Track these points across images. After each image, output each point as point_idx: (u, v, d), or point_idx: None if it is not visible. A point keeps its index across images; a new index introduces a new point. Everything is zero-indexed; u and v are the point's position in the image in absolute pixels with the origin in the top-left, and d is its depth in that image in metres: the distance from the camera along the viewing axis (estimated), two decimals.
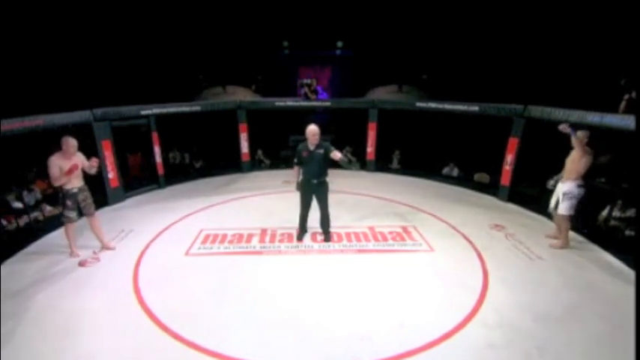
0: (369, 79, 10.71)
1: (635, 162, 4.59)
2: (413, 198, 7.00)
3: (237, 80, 10.53)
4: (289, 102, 8.99)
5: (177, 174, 8.43)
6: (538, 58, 8.01)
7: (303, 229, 5.19)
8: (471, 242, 5.14)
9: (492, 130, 7.32)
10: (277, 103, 8.89)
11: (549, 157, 5.99)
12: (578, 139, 4.47)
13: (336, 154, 4.65)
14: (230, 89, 10.33)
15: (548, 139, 5.73)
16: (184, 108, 7.85)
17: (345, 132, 10.16)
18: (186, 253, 4.72)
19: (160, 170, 7.69)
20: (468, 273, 4.34)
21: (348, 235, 5.28)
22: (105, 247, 4.79)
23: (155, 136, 7.40)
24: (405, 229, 5.53)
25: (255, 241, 5.07)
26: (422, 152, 9.28)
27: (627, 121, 4.65)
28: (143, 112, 7.14)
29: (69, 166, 4.12)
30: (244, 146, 9.02)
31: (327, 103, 9.30)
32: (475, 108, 7.28)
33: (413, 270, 4.41)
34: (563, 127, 4.46)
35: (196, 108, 8.02)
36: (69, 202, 4.34)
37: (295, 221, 5.24)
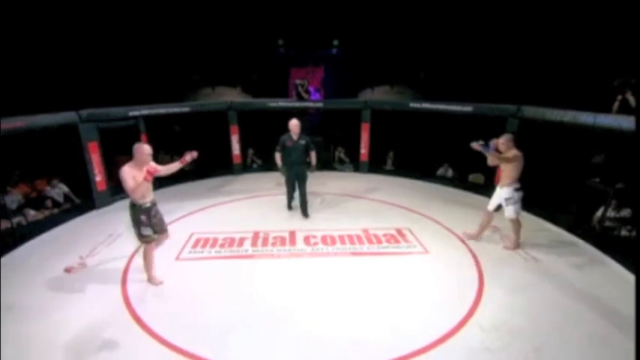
0: (362, 79, 10.73)
1: (635, 163, 4.66)
2: (407, 199, 7.00)
3: (229, 80, 10.47)
4: (281, 103, 8.99)
5: (165, 177, 8.21)
6: (532, 57, 8.06)
7: (290, 204, 6.30)
8: (465, 244, 5.16)
9: (487, 131, 7.31)
10: (269, 104, 8.90)
11: (543, 157, 6.04)
12: (493, 155, 4.47)
13: (313, 157, 5.92)
14: (219, 90, 10.26)
15: (543, 139, 5.77)
16: (174, 109, 7.82)
17: (338, 133, 10.16)
18: (177, 258, 4.69)
19: None
20: (463, 275, 4.35)
21: (341, 237, 5.28)
22: (151, 280, 4.17)
23: (144, 137, 7.32)
24: (399, 231, 5.54)
25: (247, 244, 5.05)
26: (416, 153, 9.26)
27: (621, 121, 4.71)
28: (131, 114, 7.08)
29: (143, 175, 3.66)
30: (235, 148, 8.98)
31: (320, 104, 9.33)
32: (469, 108, 7.32)
33: (407, 272, 4.41)
34: (475, 145, 4.46)
35: (186, 109, 8.00)
36: (143, 218, 3.82)
37: (288, 225, 5.58)
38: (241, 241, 5.15)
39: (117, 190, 7.05)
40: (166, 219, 5.58)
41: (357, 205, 6.76)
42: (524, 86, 7.55)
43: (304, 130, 5.98)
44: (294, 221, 5.90)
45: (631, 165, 4.90)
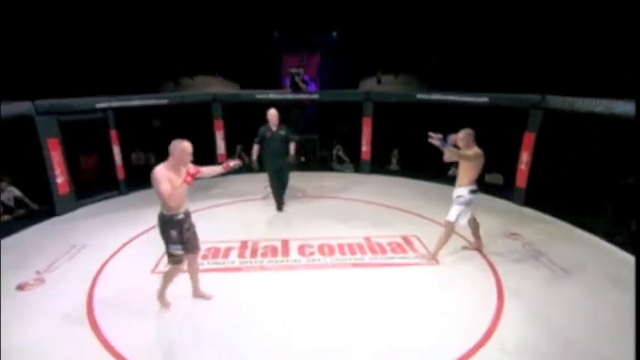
0: (364, 68, 10.71)
1: (636, 151, 4.61)
2: (415, 203, 6.99)
3: (212, 69, 10.42)
4: (272, 94, 8.98)
5: (142, 178, 8.15)
6: (556, 39, 7.95)
7: (280, 205, 6.63)
8: (482, 253, 5.12)
9: (505, 125, 7.36)
10: (258, 96, 8.88)
11: (571, 154, 6.01)
12: (450, 151, 4.46)
13: (292, 148, 6.27)
14: (201, 80, 10.17)
15: (570, 133, 5.71)
16: (149, 101, 7.78)
17: (335, 128, 10.14)
18: (153, 271, 4.63)
19: (121, 174, 7.59)
20: (480, 289, 4.30)
21: (340, 246, 5.27)
22: (198, 295, 4.09)
23: (114, 133, 7.26)
24: (406, 239, 5.53)
25: (233, 255, 5.03)
26: (424, 151, 9.08)
27: None
28: (99, 105, 6.99)
29: (182, 177, 3.43)
30: (220, 146, 8.94)
31: (315, 96, 9.31)
32: (484, 99, 7.32)
33: (416, 286, 4.38)
34: (432, 139, 4.37)
35: (163, 101, 7.96)
36: (174, 233, 3.54)
37: (280, 233, 5.61)
38: (227, 251, 5.12)
39: (83, 193, 7.03)
40: (140, 227, 5.85)
41: (358, 209, 6.76)
42: (549, 73, 7.50)
43: (299, 125, 6.41)
44: (287, 229, 5.88)
45: (633, 154, 4.83)
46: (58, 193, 6.46)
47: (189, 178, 3.40)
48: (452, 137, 4.57)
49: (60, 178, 6.45)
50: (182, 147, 3.43)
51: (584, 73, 6.87)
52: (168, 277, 3.81)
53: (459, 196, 4.62)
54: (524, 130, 6.79)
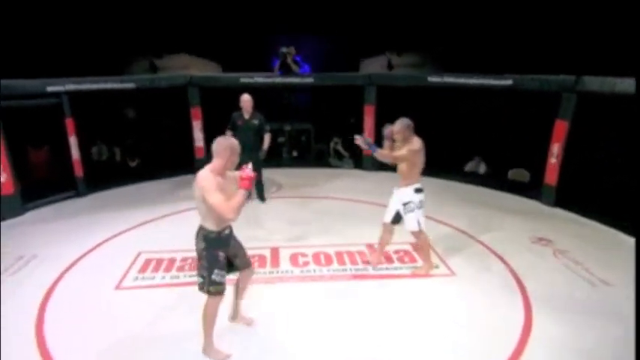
0: (365, 46, 10.70)
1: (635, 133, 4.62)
2: (426, 204, 6.84)
3: (192, 48, 10.40)
4: (258, 78, 8.99)
5: (104, 176, 8.35)
6: (593, 8, 7.85)
7: (261, 194, 7.10)
8: (506, 263, 5.09)
9: (532, 112, 7.35)
10: (243, 80, 8.88)
11: (611, 145, 5.94)
12: (381, 155, 4.58)
13: (266, 141, 6.66)
14: (179, 60, 10.07)
15: (610, 121, 5.63)
16: (112, 84, 7.74)
17: (333, 118, 10.14)
18: (118, 287, 4.60)
19: (79, 171, 7.52)
20: (504, 306, 4.25)
21: (339, 255, 5.26)
22: (239, 319, 3.95)
23: (70, 122, 7.19)
24: (416, 246, 5.39)
25: None
26: (437, 144, 9.16)
27: None
28: (51, 89, 6.91)
29: (231, 185, 3.26)
30: (198, 138, 8.93)
31: (309, 79, 9.30)
32: (508, 82, 7.29)
33: (428, 301, 4.34)
34: (357, 141, 4.54)
35: (129, 85, 7.94)
36: (222, 255, 3.36)
37: (269, 239, 5.62)
38: None
39: (33, 194, 6.98)
40: (103, 234, 5.89)
41: (360, 212, 6.76)
42: (581, 49, 7.40)
43: (289, 114, 6.61)
44: (277, 235, 5.84)
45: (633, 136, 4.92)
46: (0, 193, 6.39)
47: (247, 183, 3.13)
48: (387, 129, 4.66)
49: (2, 175, 6.37)
50: (233, 145, 3.26)
51: (628, 49, 6.74)
52: (210, 316, 3.44)
53: (406, 203, 4.62)
54: (555, 117, 6.77)
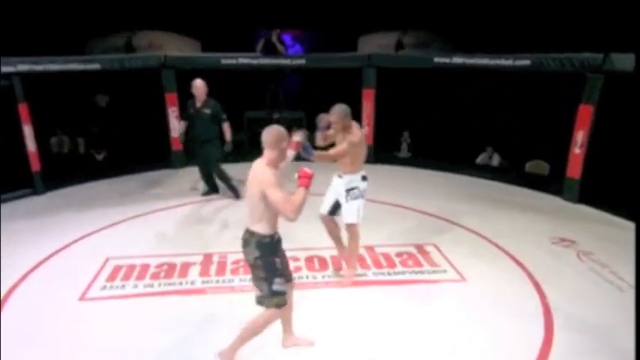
0: (364, 23, 10.70)
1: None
2: (432, 201, 7.03)
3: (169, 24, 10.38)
4: (242, 59, 8.97)
5: (66, 171, 8.26)
6: None
7: (209, 186, 7.27)
8: (523, 267, 5.07)
9: (553, 96, 7.43)
10: (224, 61, 8.89)
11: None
12: (320, 157, 4.41)
13: (226, 132, 6.80)
14: (155, 38, 9.92)
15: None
16: (74, 65, 7.66)
17: (326, 104, 9.98)
18: (82, 298, 4.51)
19: (35, 165, 7.46)
20: (520, 315, 4.21)
21: (335, 259, 5.19)
22: (295, 342, 3.80)
23: (24, 109, 7.14)
24: (420, 248, 5.51)
25: (194, 273, 5.00)
26: (444, 133, 9.32)
27: None
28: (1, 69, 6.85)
29: (297, 180, 3.26)
30: (175, 128, 8.84)
31: (300, 61, 9.32)
32: (525, 62, 7.27)
33: (434, 312, 4.29)
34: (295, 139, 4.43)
35: (94, 66, 7.88)
36: (278, 261, 3.31)
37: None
38: (185, 268, 5.09)
39: None
40: (64, 237, 5.84)
41: None
42: (610, 23, 7.43)
43: (279, 101, 6.64)
44: None
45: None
46: None
47: (308, 181, 3.19)
48: (322, 119, 4.60)
49: None
50: (283, 135, 3.21)
51: None
52: (260, 329, 3.37)
53: (352, 189, 4.58)
54: (579, 101, 6.75)
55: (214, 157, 6.78)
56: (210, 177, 7.09)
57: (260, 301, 3.29)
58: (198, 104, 6.65)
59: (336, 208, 4.72)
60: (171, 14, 10.21)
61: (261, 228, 3.21)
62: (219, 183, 7.13)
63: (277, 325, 3.61)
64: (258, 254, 3.21)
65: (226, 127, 6.77)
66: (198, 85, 6.61)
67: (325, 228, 4.88)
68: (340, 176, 4.63)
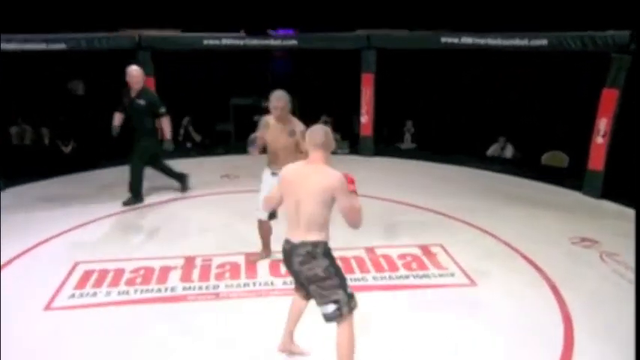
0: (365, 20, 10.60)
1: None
2: (438, 197, 7.06)
3: None
4: (226, 40, 9.06)
5: (29, 165, 8.31)
6: None
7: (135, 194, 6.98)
8: (539, 269, 5.06)
9: (573, 79, 7.48)
10: (207, 42, 8.96)
11: None
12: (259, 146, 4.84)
13: (165, 127, 6.77)
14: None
15: None
16: (34, 45, 7.69)
17: (321, 91, 10.23)
18: (48, 307, 4.45)
19: None
20: (537, 323, 4.18)
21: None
22: (291, 349, 3.87)
23: None
24: (425, 249, 5.52)
25: (174, 278, 4.97)
26: (451, 122, 9.45)
27: None
28: None
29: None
30: None
31: (292, 41, 9.40)
32: (542, 42, 7.28)
33: (440, 319, 4.27)
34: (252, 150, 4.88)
35: (59, 45, 7.88)
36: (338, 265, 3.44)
37: (244, 243, 5.52)
38: (164, 272, 5.07)
39: None
40: (27, 239, 5.85)
41: None
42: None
43: (267, 86, 6.27)
44: (253, 238, 5.72)
45: None
46: None
47: (354, 186, 3.32)
48: (253, 139, 4.80)
49: None
50: (330, 134, 3.38)
51: None
52: (351, 339, 3.34)
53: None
54: (602, 85, 6.74)
55: (146, 153, 6.66)
56: (137, 178, 6.83)
57: (339, 313, 3.22)
58: (133, 94, 6.51)
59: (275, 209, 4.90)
60: (153, 10, 10.23)
61: (324, 236, 3.27)
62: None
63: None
64: (328, 262, 3.24)
65: (165, 123, 6.65)
66: (134, 74, 6.44)
67: (260, 231, 5.09)
68: (275, 174, 4.67)
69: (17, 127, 8.71)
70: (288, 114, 4.68)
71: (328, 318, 3.22)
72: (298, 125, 4.68)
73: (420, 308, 4.40)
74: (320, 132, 3.28)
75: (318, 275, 3.19)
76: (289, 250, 3.23)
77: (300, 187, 3.14)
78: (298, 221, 3.17)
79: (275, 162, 4.78)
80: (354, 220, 3.29)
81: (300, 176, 3.17)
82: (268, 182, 4.83)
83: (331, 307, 3.19)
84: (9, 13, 8.36)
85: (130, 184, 6.75)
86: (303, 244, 3.17)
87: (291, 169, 3.30)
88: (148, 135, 6.57)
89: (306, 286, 3.36)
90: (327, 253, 3.28)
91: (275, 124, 4.68)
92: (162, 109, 6.59)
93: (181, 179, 7.22)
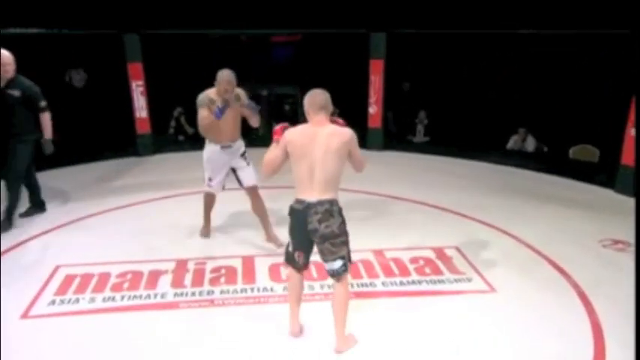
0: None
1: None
2: (453, 195, 7.10)
3: None
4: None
5: (3, 157, 8.03)
6: None
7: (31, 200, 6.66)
8: (566, 275, 5.01)
9: (603, 62, 7.51)
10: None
11: None
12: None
13: (44, 123, 6.11)
14: None
15: None
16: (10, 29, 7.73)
17: (325, 79, 10.06)
18: (25, 315, 4.42)
19: None
20: (563, 334, 4.11)
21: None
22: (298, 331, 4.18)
23: None
24: (440, 252, 5.51)
25: (164, 284, 4.96)
26: (467, 113, 9.45)
27: None
28: None
29: None
30: (140, 107, 9.06)
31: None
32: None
33: (456, 329, 4.21)
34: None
35: (33, 29, 7.98)
36: None
37: (241, 245, 5.68)
38: (154, 277, 5.05)
39: None
40: (5, 239, 5.96)
41: (364, 206, 6.82)
42: None
43: (267, 74, 6.54)
44: (251, 239, 5.85)
45: None
46: None
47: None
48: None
49: None
50: (329, 96, 3.85)
51: None
52: (347, 298, 3.90)
53: (244, 152, 5.57)
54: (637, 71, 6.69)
55: (26, 153, 6.09)
56: (29, 185, 6.45)
57: (344, 268, 3.72)
58: (3, 83, 5.80)
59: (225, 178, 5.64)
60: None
61: (334, 193, 3.68)
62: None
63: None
64: (342, 219, 3.71)
65: (45, 119, 6.07)
66: (4, 61, 5.78)
67: (206, 205, 5.81)
68: (229, 146, 5.42)
69: None
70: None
71: (335, 273, 3.71)
72: (235, 89, 5.19)
73: (434, 317, 4.34)
74: (321, 95, 3.67)
75: (334, 232, 3.61)
76: (303, 210, 3.57)
77: (314, 147, 3.50)
78: (312, 181, 3.54)
79: (224, 136, 5.32)
80: (362, 167, 3.85)
81: (312, 138, 3.51)
82: (222, 158, 5.48)
83: (339, 263, 3.68)
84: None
85: (30, 196, 6.47)
86: (321, 202, 3.55)
87: (299, 132, 3.61)
88: (23, 132, 5.97)
89: (308, 246, 3.82)
90: (340, 211, 3.70)
91: (218, 98, 5.10)
92: (43, 103, 6.01)
93: (35, 208, 6.59)
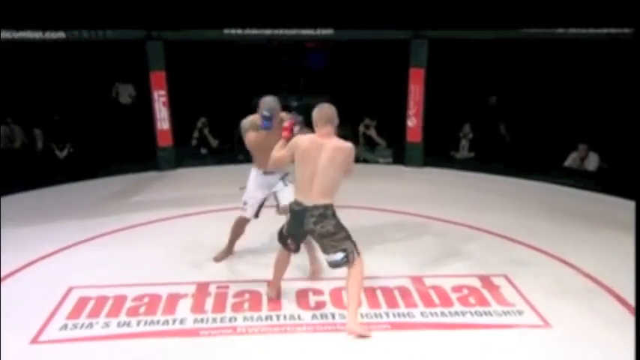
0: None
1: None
2: (501, 217, 7.09)
3: None
4: (250, 29, 9.26)
5: (18, 172, 8.47)
6: None
7: None
8: (629, 307, 4.90)
9: None
10: (227, 31, 9.14)
11: None
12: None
13: None
14: None
15: None
16: (31, 33, 7.87)
17: (360, 90, 10.40)
18: (35, 341, 4.42)
19: None
20: None
21: (371, 292, 5.17)
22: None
23: None
24: (486, 280, 5.45)
25: (184, 309, 4.96)
26: (518, 127, 9.40)
27: None
28: None
29: None
30: (162, 118, 9.14)
31: (327, 31, 9.55)
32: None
33: None
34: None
35: (58, 35, 8.03)
36: None
37: (265, 267, 5.39)
38: (173, 301, 5.08)
39: None
40: (16, 259, 5.93)
41: (402, 229, 6.86)
42: None
43: (298, 83, 6.68)
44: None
45: None
46: None
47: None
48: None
49: None
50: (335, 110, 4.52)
51: None
52: (361, 280, 4.47)
53: (285, 175, 5.66)
54: None
55: None
56: None
57: (346, 260, 4.35)
58: None
59: (261, 207, 5.76)
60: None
61: (332, 199, 4.41)
62: None
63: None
64: (337, 220, 4.41)
65: None
66: None
67: (235, 229, 5.79)
68: (272, 172, 5.52)
69: (5, 126, 8.84)
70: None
71: (336, 264, 4.41)
72: (280, 113, 5.34)
73: (479, 353, 4.27)
74: (329, 109, 4.38)
75: (330, 231, 4.32)
76: (300, 212, 4.35)
77: (319, 156, 4.21)
78: (312, 186, 4.27)
79: (266, 162, 5.24)
80: (350, 173, 4.52)
81: (318, 147, 4.22)
82: (261, 182, 5.62)
83: (340, 255, 4.34)
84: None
85: None
86: (316, 206, 4.28)
87: (308, 140, 4.30)
88: None
89: (302, 236, 4.57)
90: (335, 213, 4.45)
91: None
92: None
93: None
